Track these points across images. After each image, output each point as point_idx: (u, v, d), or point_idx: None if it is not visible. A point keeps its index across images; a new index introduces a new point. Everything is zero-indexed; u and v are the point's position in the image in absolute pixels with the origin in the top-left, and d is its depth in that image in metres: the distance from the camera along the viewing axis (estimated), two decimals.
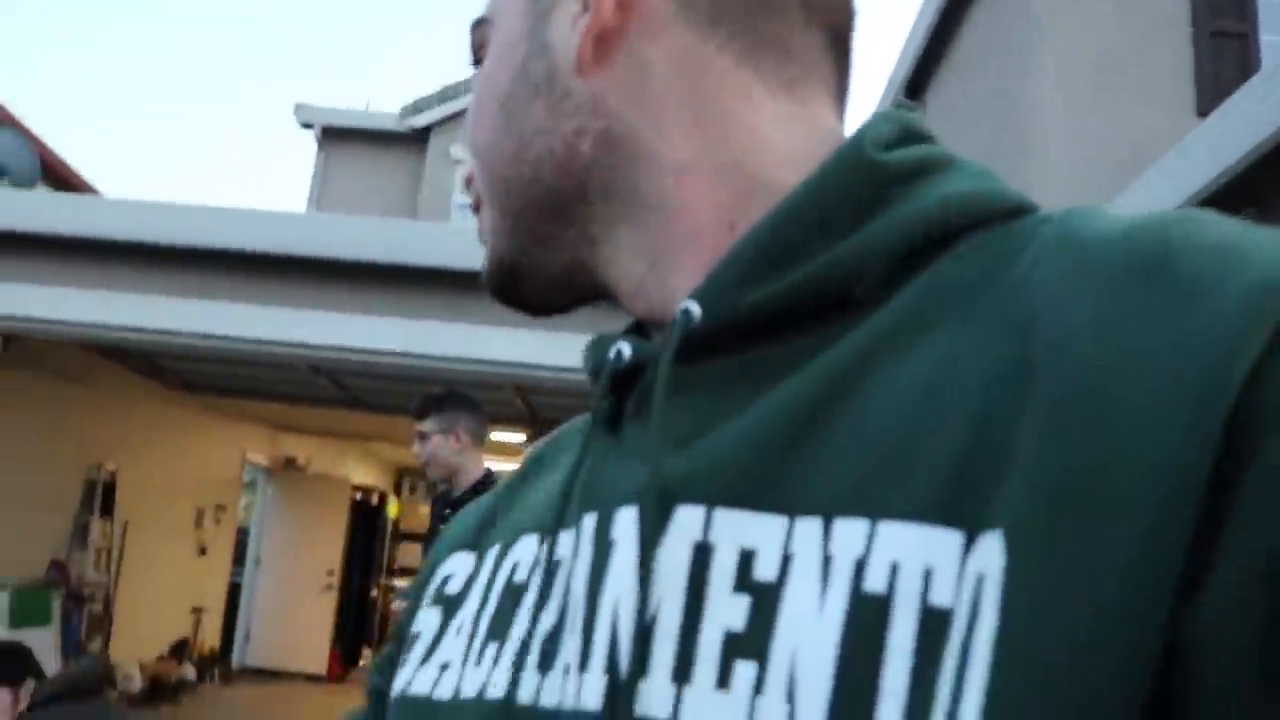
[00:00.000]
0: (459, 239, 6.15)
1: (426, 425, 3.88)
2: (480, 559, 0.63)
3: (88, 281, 6.40)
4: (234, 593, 12.56)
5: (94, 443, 8.77)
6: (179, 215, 6.62)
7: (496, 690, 0.52)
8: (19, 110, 16.49)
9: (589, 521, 0.51)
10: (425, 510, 16.11)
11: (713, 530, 0.45)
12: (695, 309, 0.50)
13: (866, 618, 0.40)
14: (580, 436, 0.59)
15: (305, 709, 10.36)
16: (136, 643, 9.60)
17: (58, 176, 15.34)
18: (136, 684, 9.33)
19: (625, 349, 0.54)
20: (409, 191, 12.89)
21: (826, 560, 0.42)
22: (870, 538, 0.41)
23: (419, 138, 12.89)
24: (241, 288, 6.39)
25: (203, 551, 11.20)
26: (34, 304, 6.38)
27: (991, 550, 0.37)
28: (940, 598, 0.38)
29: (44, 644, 7.72)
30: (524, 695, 0.50)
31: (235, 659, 12.38)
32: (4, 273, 6.41)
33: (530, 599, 0.54)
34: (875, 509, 0.41)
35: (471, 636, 0.57)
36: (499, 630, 0.55)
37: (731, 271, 0.50)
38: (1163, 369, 0.36)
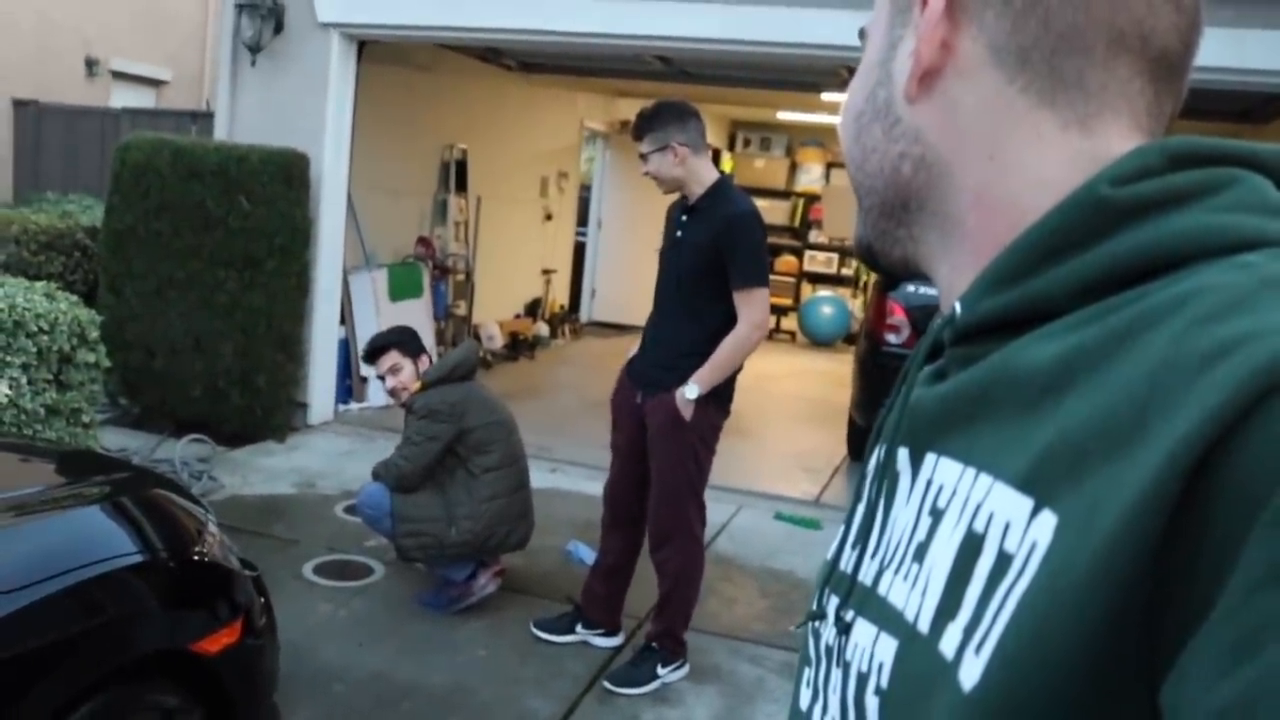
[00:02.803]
0: None
1: (643, 146, 3.89)
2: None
3: None
4: (580, 252, 13.36)
5: (445, 126, 9.32)
6: None
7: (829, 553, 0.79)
8: None
9: (881, 451, 0.73)
10: (760, 164, 16.24)
11: (935, 472, 0.64)
12: (959, 309, 0.66)
13: (970, 547, 0.57)
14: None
15: None
16: (495, 305, 10.54)
17: None
18: (498, 341, 10.33)
19: (958, 308, 0.69)
20: None
21: (965, 501, 0.59)
22: (989, 490, 0.57)
23: None
24: None
25: (549, 217, 11.90)
26: (380, 11, 6.66)
27: (1047, 526, 0.52)
28: (1010, 545, 0.54)
29: (418, 313, 8.63)
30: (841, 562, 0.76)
31: (583, 314, 13.35)
32: None
33: (863, 497, 0.76)
34: (999, 471, 0.57)
35: (852, 513, 0.79)
36: (850, 516, 0.79)
37: (979, 285, 0.64)
38: (1176, 417, 0.48)
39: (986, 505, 0.57)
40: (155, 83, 11.85)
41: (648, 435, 4.01)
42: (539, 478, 6.53)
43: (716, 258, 3.81)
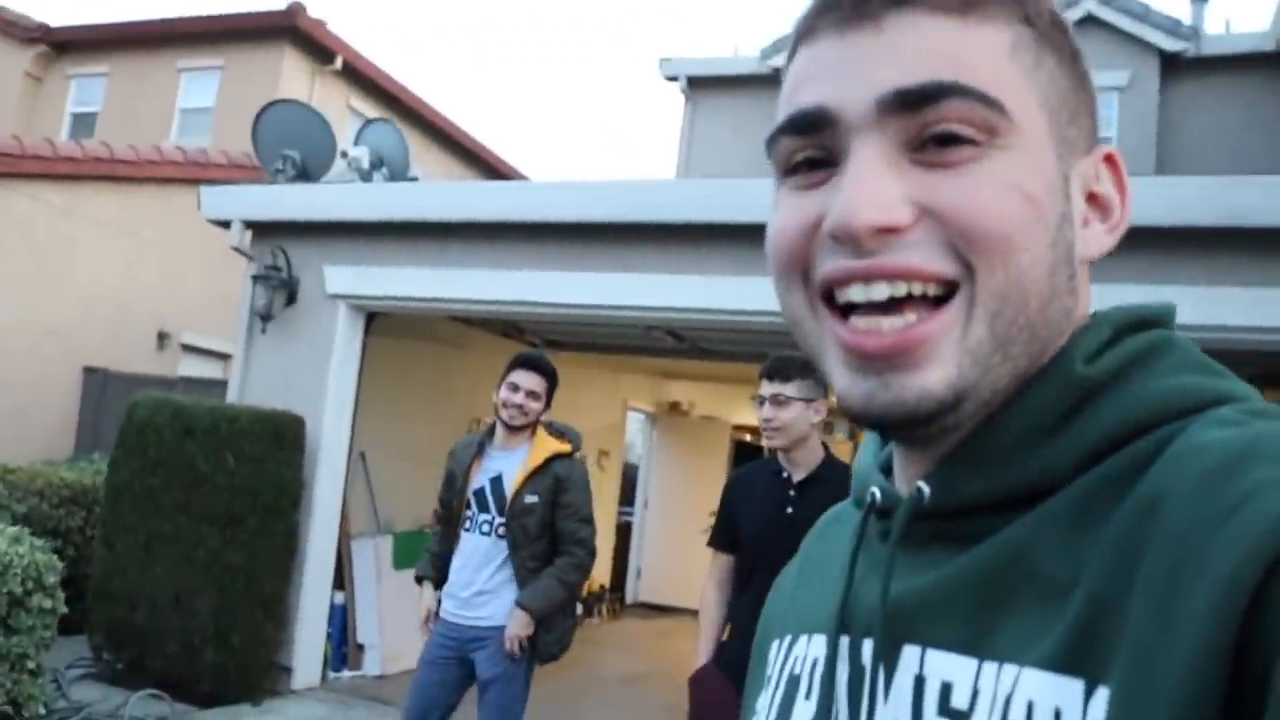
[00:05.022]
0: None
1: (790, 389, 3.55)
2: (778, 645, 0.79)
3: (432, 261, 6.91)
4: (625, 532, 13.26)
5: (473, 400, 9.54)
6: (517, 193, 6.99)
7: None
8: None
9: (844, 643, 0.68)
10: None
11: (925, 667, 0.61)
12: (926, 490, 0.65)
13: None
14: (844, 537, 0.74)
15: (680, 643, 10.80)
16: None
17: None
18: None
19: (877, 494, 0.70)
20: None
21: (994, 696, 0.56)
22: (1016, 679, 0.55)
23: (780, 79, 12.54)
24: (570, 256, 6.63)
25: None
26: (384, 284, 6.99)
27: (1104, 700, 0.50)
28: None
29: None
30: None
31: (629, 595, 13.11)
32: (374, 257, 7.07)
33: (803, 693, 0.71)
34: (1022, 658, 0.55)
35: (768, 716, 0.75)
36: (784, 715, 0.73)
37: (958, 466, 0.64)
38: (1207, 574, 0.48)
39: (1019, 695, 0.55)
40: (222, 355, 12.47)
41: None
42: None
43: None
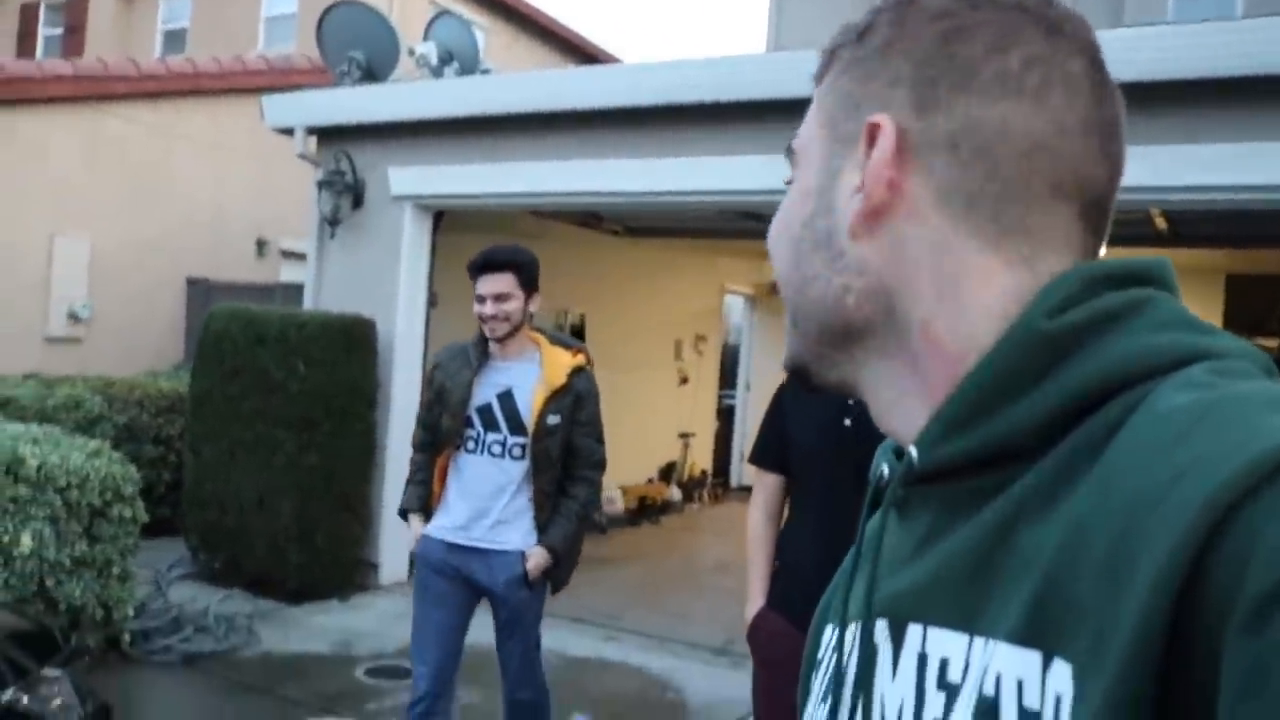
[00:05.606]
0: None
1: None
2: (831, 630, 0.82)
3: (497, 156, 6.80)
4: (729, 415, 13.21)
5: (557, 291, 9.48)
6: (583, 80, 6.81)
7: None
8: None
9: (852, 630, 0.73)
10: None
11: (927, 644, 0.65)
12: (915, 455, 0.68)
13: (983, 711, 0.58)
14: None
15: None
16: (621, 470, 10.42)
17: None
18: (619, 505, 10.21)
19: (885, 470, 0.75)
20: None
21: (983, 670, 0.59)
22: (993, 653, 0.58)
23: None
24: (634, 143, 6.45)
25: (684, 380, 11.84)
26: (447, 182, 6.92)
27: (1063, 676, 0.53)
28: (1031, 701, 0.55)
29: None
30: None
31: (733, 479, 13.12)
32: (436, 156, 7.00)
33: (819, 683, 0.79)
34: (994, 631, 0.59)
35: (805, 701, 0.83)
36: (804, 702, 0.82)
37: (935, 429, 0.66)
38: (1146, 554, 0.50)
39: (993, 667, 0.58)
40: None
41: None
42: (589, 646, 6.34)
43: None
